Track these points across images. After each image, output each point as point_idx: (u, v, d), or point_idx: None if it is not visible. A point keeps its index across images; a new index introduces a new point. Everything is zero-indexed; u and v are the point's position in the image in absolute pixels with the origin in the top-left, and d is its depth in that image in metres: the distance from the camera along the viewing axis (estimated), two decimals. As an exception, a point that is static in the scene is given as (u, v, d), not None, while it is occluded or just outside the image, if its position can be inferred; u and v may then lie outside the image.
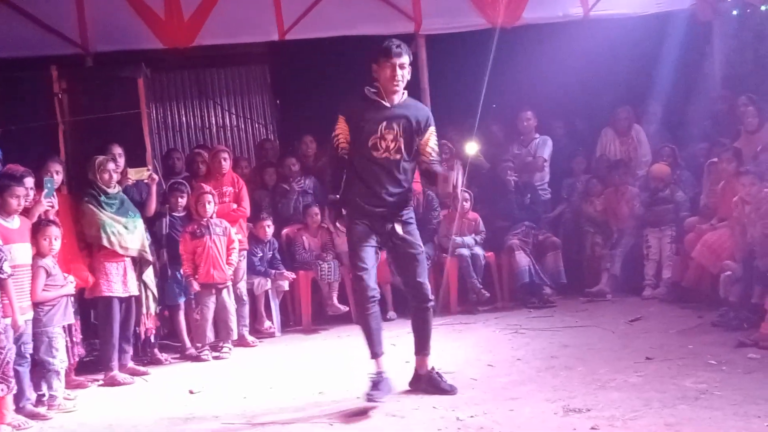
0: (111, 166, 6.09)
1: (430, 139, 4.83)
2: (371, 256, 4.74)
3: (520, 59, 8.73)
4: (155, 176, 6.55)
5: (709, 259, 6.63)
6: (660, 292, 7.40)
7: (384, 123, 4.66)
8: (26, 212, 5.30)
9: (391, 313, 7.50)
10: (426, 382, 4.89)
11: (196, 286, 6.55)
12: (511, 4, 8.31)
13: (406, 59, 4.67)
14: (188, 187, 6.97)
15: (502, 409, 4.41)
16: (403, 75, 4.69)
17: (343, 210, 4.86)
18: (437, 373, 4.93)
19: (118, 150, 6.46)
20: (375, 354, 4.75)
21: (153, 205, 6.55)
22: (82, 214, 6.02)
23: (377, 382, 4.66)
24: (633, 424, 3.98)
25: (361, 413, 4.56)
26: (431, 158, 4.85)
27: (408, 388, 4.97)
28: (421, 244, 4.93)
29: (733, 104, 7.88)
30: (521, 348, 5.93)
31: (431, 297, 4.90)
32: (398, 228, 4.75)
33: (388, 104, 4.70)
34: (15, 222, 5.12)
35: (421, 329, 4.94)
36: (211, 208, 6.65)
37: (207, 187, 6.78)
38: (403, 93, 4.78)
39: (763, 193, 6.11)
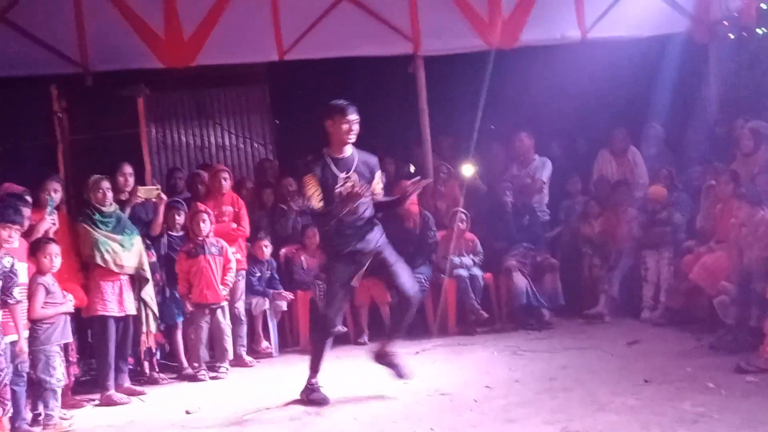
0: (105, 184, 6.10)
1: (378, 183, 5.55)
2: (343, 297, 5.50)
3: (518, 81, 8.76)
4: (164, 196, 6.56)
5: (706, 281, 6.61)
6: (658, 315, 7.38)
7: (344, 173, 5.36)
8: (29, 229, 5.34)
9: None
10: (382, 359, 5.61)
11: (189, 306, 6.55)
12: (509, 26, 8.35)
13: (357, 116, 5.36)
14: (185, 205, 6.97)
15: (500, 431, 4.40)
16: (356, 129, 5.38)
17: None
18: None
19: (128, 169, 6.51)
20: (315, 371, 5.51)
21: (159, 225, 6.56)
22: (77, 233, 6.03)
23: (314, 390, 5.47)
24: (631, 447, 3.97)
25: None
26: (380, 195, 5.60)
27: (407, 415, 4.97)
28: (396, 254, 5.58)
29: (731, 127, 7.91)
30: (519, 369, 5.92)
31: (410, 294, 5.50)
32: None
33: (342, 157, 5.40)
34: (15, 242, 5.12)
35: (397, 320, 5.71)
36: (206, 227, 6.64)
37: (202, 206, 6.78)
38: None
39: (758, 216, 6.13)
